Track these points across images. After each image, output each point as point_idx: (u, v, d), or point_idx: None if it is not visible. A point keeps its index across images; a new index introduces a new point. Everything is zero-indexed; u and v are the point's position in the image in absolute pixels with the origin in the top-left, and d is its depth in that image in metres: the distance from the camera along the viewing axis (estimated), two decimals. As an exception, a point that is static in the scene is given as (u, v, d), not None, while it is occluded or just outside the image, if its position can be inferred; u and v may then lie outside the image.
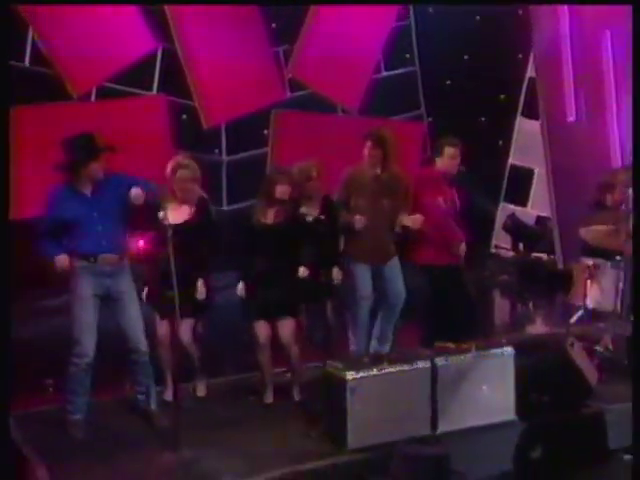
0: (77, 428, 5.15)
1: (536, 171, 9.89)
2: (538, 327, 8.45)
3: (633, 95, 5.92)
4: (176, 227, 5.26)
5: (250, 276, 5.61)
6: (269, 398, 5.66)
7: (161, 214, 5.03)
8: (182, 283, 5.23)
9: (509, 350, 5.39)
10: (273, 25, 9.13)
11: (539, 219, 9.89)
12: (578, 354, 5.54)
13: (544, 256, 9.45)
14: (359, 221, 5.92)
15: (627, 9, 8.36)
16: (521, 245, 9.76)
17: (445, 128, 9.56)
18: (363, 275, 6.14)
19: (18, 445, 5.03)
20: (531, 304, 9.16)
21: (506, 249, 9.93)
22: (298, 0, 9.07)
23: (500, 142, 10.28)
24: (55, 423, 5.25)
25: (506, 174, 10.18)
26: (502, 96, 10.15)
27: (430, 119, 10.02)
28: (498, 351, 5.40)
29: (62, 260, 5.04)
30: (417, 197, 6.24)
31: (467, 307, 6.29)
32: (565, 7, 8.99)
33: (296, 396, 5.72)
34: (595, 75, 8.96)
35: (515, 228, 9.87)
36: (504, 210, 10.04)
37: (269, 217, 5.62)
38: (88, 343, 5.07)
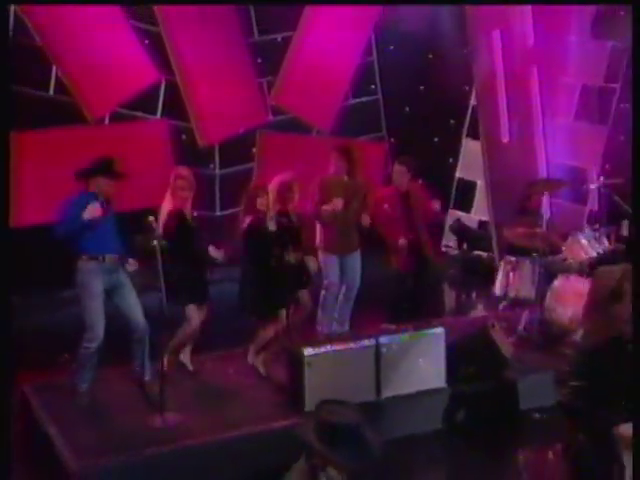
0: (83, 396, 5.22)
1: (478, 183, 9.82)
2: (477, 312, 8.50)
3: (633, 95, 5.61)
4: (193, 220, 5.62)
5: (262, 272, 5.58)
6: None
7: (150, 218, 5.07)
8: (198, 269, 5.51)
9: (440, 330, 5.48)
10: (259, 60, 9.08)
11: (480, 223, 9.84)
12: (497, 333, 5.61)
13: (484, 254, 9.42)
14: (336, 204, 5.95)
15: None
16: (465, 245, 9.72)
17: (404, 148, 9.69)
18: (332, 265, 6.21)
19: (33, 409, 5.14)
20: (474, 293, 9.21)
21: (453, 248, 9.87)
22: (296, 0, 8.86)
23: (450, 159, 10.19)
24: (66, 392, 5.29)
25: (454, 186, 10.12)
26: (452, 121, 10.08)
27: (392, 140, 9.95)
28: (431, 331, 5.48)
29: (92, 210, 4.98)
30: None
31: (411, 297, 6.38)
32: (500, 47, 9.01)
33: (262, 371, 5.67)
34: (525, 103, 9.04)
35: (460, 231, 9.80)
36: (452, 215, 9.98)
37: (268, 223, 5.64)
38: (99, 330, 5.14)
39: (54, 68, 8.11)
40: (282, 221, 5.71)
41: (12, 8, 7.83)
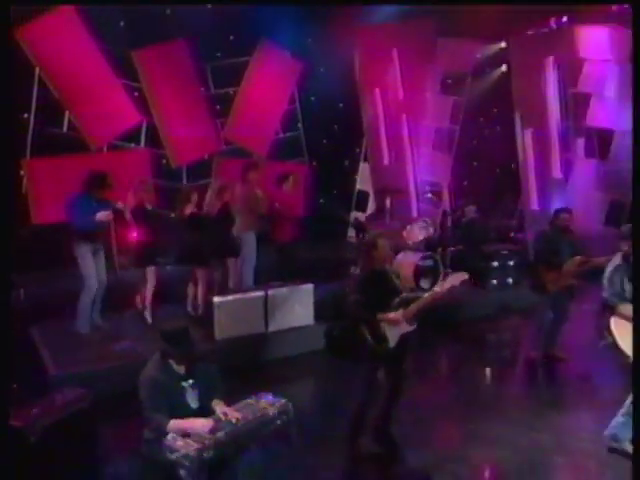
0: (84, 337, 5.58)
1: (370, 193, 10.29)
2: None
3: (633, 96, 4.97)
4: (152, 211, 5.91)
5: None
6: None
7: (119, 204, 5.60)
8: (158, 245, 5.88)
9: (310, 285, 5.87)
10: (218, 107, 9.44)
11: (372, 220, 10.36)
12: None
13: (374, 242, 9.89)
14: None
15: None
16: (361, 235, 10.20)
17: (322, 169, 10.13)
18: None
19: (36, 343, 5.52)
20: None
21: (353, 238, 10.29)
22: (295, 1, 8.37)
23: (355, 176, 10.68)
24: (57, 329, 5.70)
25: (355, 194, 10.62)
26: (357, 149, 10.54)
27: (314, 163, 10.20)
28: (304, 286, 5.85)
29: (106, 215, 5.42)
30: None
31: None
32: (380, 100, 9.46)
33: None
34: (398, 138, 9.56)
35: (358, 225, 10.23)
36: (353, 215, 10.44)
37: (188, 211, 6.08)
38: (92, 280, 5.52)
39: (67, 112, 8.47)
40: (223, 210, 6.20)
41: (37, 73, 8.24)
